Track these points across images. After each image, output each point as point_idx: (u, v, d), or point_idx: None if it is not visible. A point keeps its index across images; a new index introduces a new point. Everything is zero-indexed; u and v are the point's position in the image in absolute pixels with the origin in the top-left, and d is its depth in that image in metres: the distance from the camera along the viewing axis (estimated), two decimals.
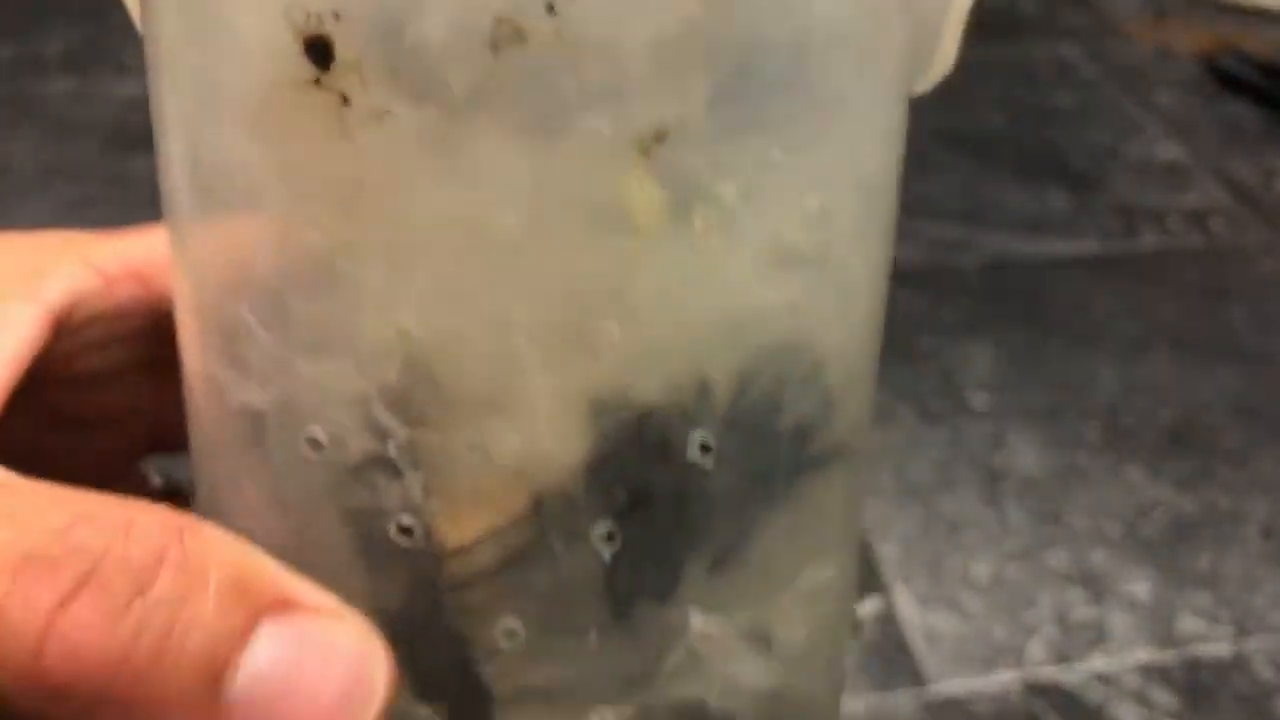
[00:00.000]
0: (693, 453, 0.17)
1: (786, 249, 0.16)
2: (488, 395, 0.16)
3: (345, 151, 0.15)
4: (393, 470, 0.16)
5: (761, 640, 0.18)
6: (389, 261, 0.15)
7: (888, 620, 0.45)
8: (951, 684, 0.43)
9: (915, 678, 0.43)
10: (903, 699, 0.43)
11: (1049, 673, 0.44)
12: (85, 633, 0.14)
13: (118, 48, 0.81)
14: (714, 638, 0.18)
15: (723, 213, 0.16)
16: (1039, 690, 0.43)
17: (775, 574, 0.18)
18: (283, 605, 0.15)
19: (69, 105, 0.74)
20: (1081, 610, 0.46)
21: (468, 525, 0.16)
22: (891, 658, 0.44)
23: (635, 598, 0.17)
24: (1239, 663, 0.44)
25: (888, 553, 0.48)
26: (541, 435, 0.16)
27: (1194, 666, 0.44)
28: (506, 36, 0.14)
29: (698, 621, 0.18)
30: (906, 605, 0.46)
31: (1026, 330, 0.60)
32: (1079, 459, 0.52)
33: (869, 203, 0.17)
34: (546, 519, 0.17)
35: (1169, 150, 0.74)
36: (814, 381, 0.18)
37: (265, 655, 0.14)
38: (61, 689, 0.13)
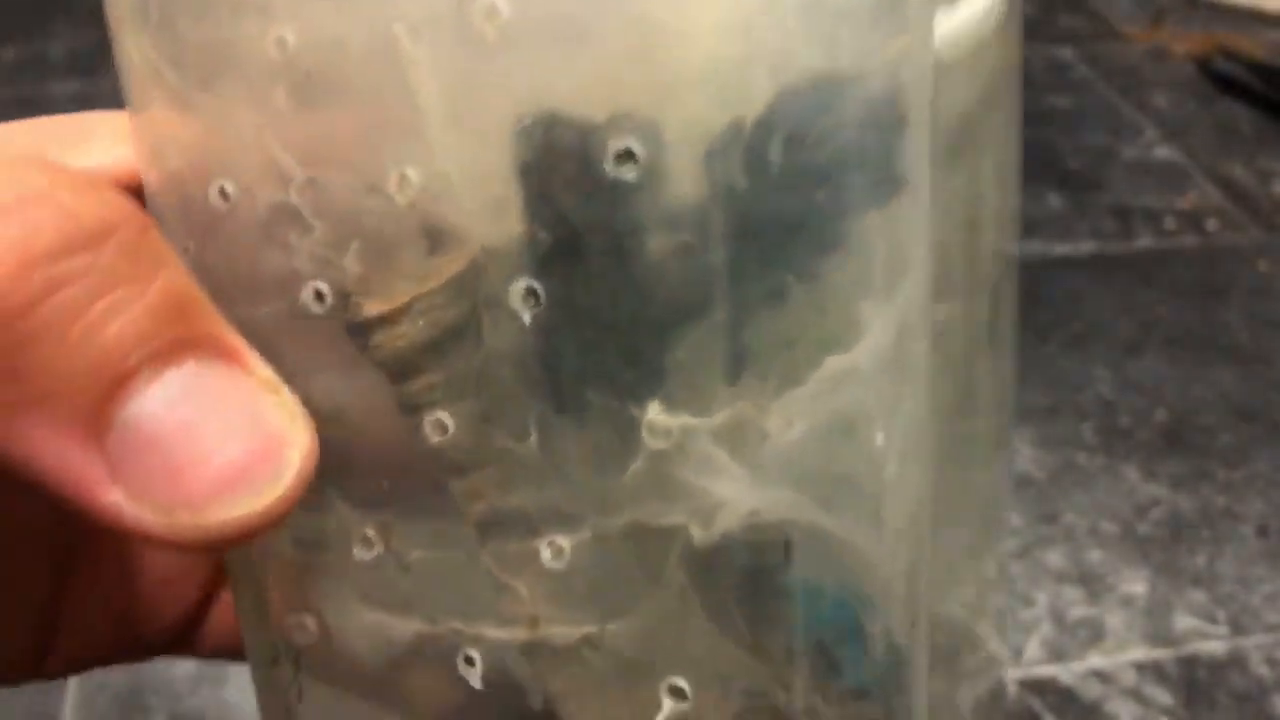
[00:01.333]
0: (614, 165, 0.13)
1: None
2: (377, 116, 0.13)
3: None
4: (301, 223, 0.14)
5: (747, 442, 0.14)
6: None
7: None
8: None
9: None
10: None
11: (1046, 671, 0.44)
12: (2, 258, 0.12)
13: None
14: (678, 438, 0.14)
15: None
16: (1036, 688, 0.43)
17: (777, 358, 0.14)
18: (218, 349, 0.13)
19: (74, 107, 0.74)
20: (1078, 609, 0.46)
21: (387, 290, 0.14)
22: None
23: (576, 382, 0.14)
24: (1235, 660, 0.44)
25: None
26: (440, 162, 0.13)
27: (1190, 664, 0.44)
28: None
29: (657, 414, 0.14)
30: None
31: (1023, 330, 0.60)
32: (1076, 458, 0.53)
33: None
34: (475, 287, 0.14)
35: (1165, 151, 0.75)
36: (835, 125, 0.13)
37: (176, 388, 0.13)
38: None
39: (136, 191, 0.15)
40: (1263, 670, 0.44)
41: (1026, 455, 0.53)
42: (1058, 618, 0.46)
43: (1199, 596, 0.47)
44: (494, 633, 0.15)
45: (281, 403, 0.13)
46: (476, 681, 0.15)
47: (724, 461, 0.14)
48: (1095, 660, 0.44)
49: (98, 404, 0.12)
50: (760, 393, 0.14)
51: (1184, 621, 0.46)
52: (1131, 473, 0.52)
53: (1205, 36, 0.86)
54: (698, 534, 0.14)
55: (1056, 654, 0.44)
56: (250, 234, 0.14)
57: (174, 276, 0.13)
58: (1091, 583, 0.47)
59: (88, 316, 0.12)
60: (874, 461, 0.14)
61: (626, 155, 0.13)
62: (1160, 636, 0.45)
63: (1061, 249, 0.66)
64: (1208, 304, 0.62)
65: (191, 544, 0.13)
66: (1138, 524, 0.50)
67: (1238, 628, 0.45)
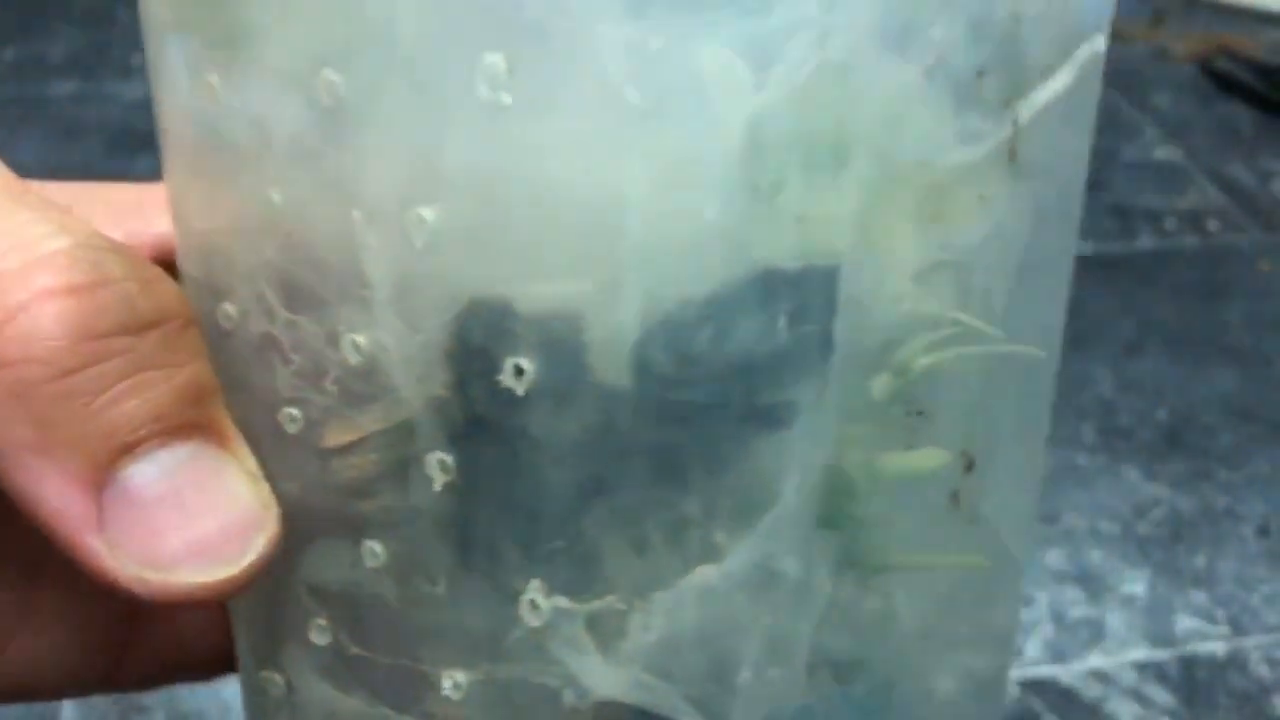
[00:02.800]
0: (507, 375, 0.15)
1: (653, 130, 0.14)
2: (339, 281, 0.15)
3: (220, 7, 0.15)
4: (283, 355, 0.16)
5: (609, 636, 0.16)
6: (254, 124, 0.15)
7: None
8: None
9: None
10: None
11: (1046, 671, 0.44)
12: (58, 327, 0.14)
13: (122, 50, 0.81)
14: (550, 619, 0.16)
15: (549, 76, 0.14)
16: (1037, 688, 0.43)
17: (644, 561, 0.16)
18: (218, 437, 0.15)
19: (73, 107, 0.74)
20: (1079, 609, 0.46)
21: (347, 427, 0.16)
22: None
23: (479, 549, 0.16)
24: (1235, 660, 0.44)
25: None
26: (385, 335, 0.15)
27: (1190, 664, 0.44)
28: None
29: (535, 594, 0.16)
30: None
31: None
32: (1076, 458, 0.53)
33: (853, 61, 0.14)
34: (405, 435, 0.15)
35: (1165, 151, 0.75)
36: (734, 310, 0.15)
37: (173, 462, 0.15)
38: (2, 360, 0.14)
39: None
40: (1262, 670, 0.44)
41: None
42: (1058, 618, 0.46)
43: (1199, 597, 0.47)
44: None
45: (259, 492, 0.15)
46: None
47: (589, 647, 0.16)
48: (1095, 660, 0.44)
49: (103, 461, 0.14)
50: (628, 590, 0.16)
51: (1184, 622, 0.46)
52: (1132, 473, 0.52)
53: (1205, 37, 0.86)
54: (570, 699, 0.16)
55: (1057, 654, 0.44)
56: (246, 353, 0.16)
57: (200, 369, 0.15)
58: (1092, 583, 0.47)
59: (116, 389, 0.14)
60: (725, 674, 0.16)
61: (519, 370, 0.15)
62: (1160, 637, 0.45)
63: None
64: (1208, 304, 0.62)
65: (153, 598, 0.15)
66: (1138, 524, 0.50)
67: (1238, 628, 0.45)
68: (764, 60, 0.14)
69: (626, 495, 0.15)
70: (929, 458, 0.17)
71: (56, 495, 0.14)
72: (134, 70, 0.78)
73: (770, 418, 0.15)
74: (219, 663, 0.21)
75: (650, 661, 0.16)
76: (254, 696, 0.19)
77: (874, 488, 0.16)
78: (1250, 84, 0.80)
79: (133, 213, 0.19)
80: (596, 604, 0.16)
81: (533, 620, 0.16)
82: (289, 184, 0.15)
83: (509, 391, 0.15)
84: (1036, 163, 0.16)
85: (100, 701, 0.42)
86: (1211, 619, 0.46)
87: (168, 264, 0.16)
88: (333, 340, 0.15)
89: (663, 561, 0.16)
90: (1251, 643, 0.45)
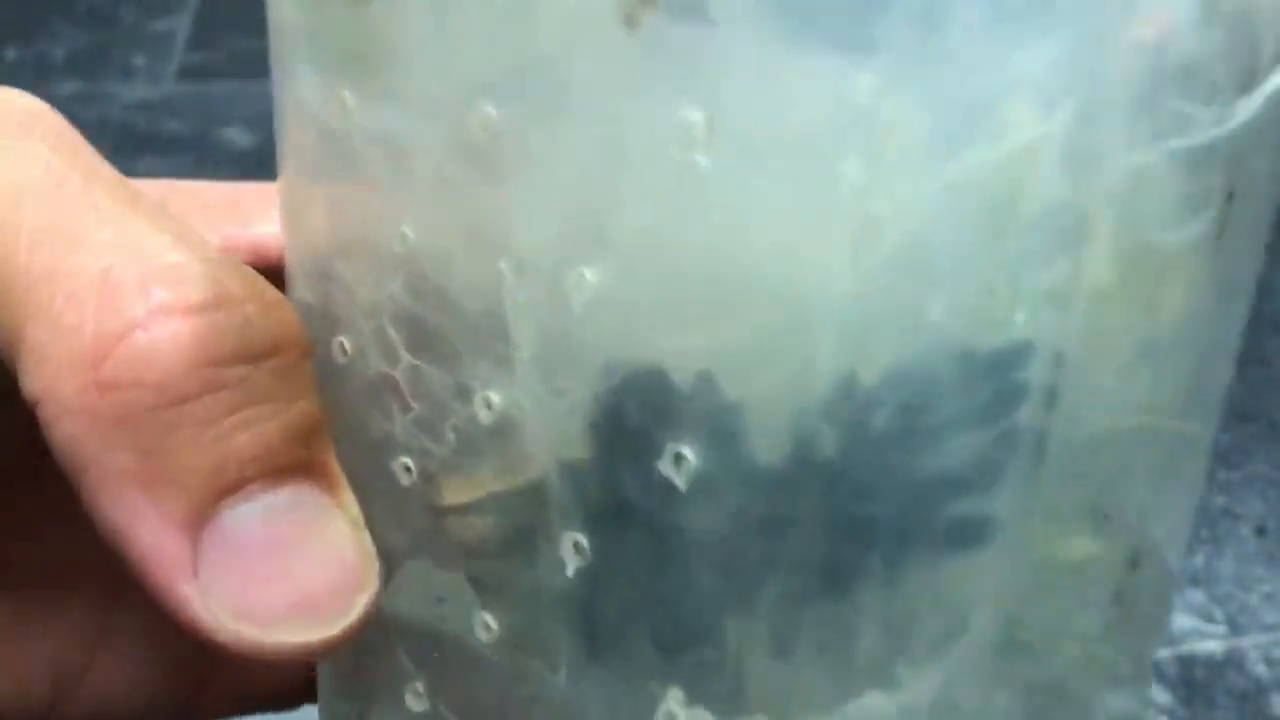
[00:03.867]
0: (666, 464, 0.13)
1: (869, 217, 0.12)
2: (475, 333, 0.14)
3: (360, 19, 0.13)
4: (402, 400, 0.14)
5: None
6: (391, 152, 0.14)
7: None
8: None
9: None
10: None
11: None
12: (171, 346, 0.13)
13: (124, 51, 0.81)
14: None
15: (747, 138, 0.12)
16: None
17: (805, 682, 0.14)
18: (326, 480, 0.14)
19: (75, 108, 0.74)
20: None
21: (468, 485, 0.14)
22: None
23: (608, 641, 0.14)
24: (1233, 659, 0.44)
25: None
26: (523, 395, 0.13)
27: (1189, 663, 0.44)
28: None
29: (674, 704, 0.14)
30: None
31: None
32: None
33: (1085, 137, 0.12)
34: (530, 506, 0.14)
35: None
36: (939, 419, 0.13)
37: (279, 506, 0.13)
38: (104, 386, 0.13)
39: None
40: (1260, 669, 0.44)
41: None
42: None
43: (1197, 596, 0.47)
44: None
45: (363, 546, 0.14)
46: None
47: None
48: None
49: (206, 500, 0.13)
50: (782, 710, 0.14)
51: (1182, 621, 0.46)
52: None
53: None
54: None
55: None
56: (360, 392, 0.15)
57: (310, 406, 0.14)
58: None
59: (227, 421, 0.13)
60: None
61: (680, 458, 0.13)
62: None
63: None
64: None
65: (244, 653, 0.13)
66: None
67: (1236, 627, 0.45)
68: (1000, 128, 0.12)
69: (787, 606, 0.13)
70: (1090, 548, 0.15)
71: (151, 533, 0.13)
72: (136, 71, 0.78)
73: (965, 533, 0.13)
74: (302, 693, 0.20)
75: None
76: None
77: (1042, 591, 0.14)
78: None
79: (228, 214, 0.17)
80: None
81: None
82: (427, 221, 0.14)
83: (666, 481, 0.13)
84: (1239, 239, 0.14)
85: None
86: (1209, 618, 0.46)
87: (266, 271, 0.15)
88: (463, 394, 0.14)
89: (820, 683, 0.14)
90: (1249, 642, 0.45)
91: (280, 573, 0.13)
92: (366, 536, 0.14)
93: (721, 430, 0.13)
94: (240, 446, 0.13)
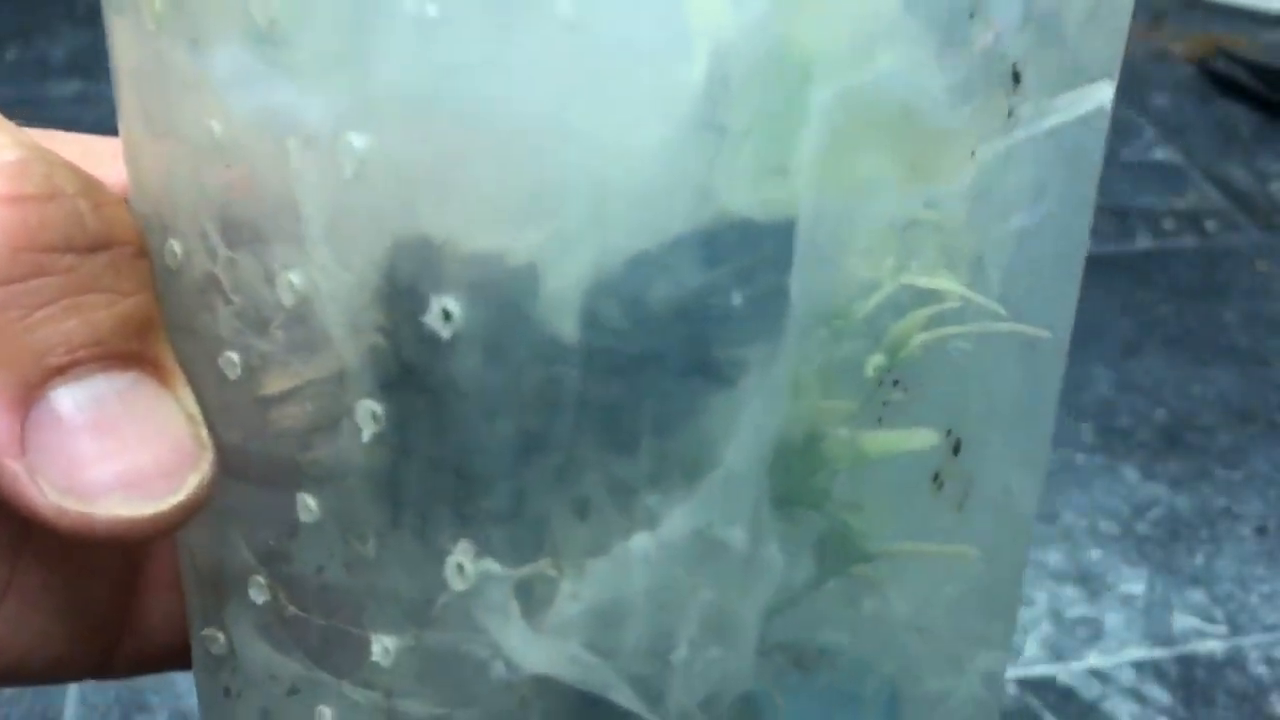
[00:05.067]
0: (432, 317, 0.13)
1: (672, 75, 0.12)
2: (274, 219, 0.14)
3: None
4: (223, 295, 0.15)
5: (537, 605, 0.15)
6: (194, 48, 0.14)
7: None
8: None
9: None
10: None
11: (1045, 670, 0.44)
12: (5, 226, 0.13)
13: None
14: (476, 584, 0.15)
15: None
16: (1035, 687, 0.43)
17: (585, 527, 0.14)
18: (160, 372, 0.14)
19: (75, 108, 0.75)
20: (1077, 608, 0.46)
21: (285, 374, 0.15)
22: None
23: (405, 506, 0.15)
24: (1233, 659, 0.44)
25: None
26: (316, 272, 0.14)
27: (1189, 663, 0.44)
28: None
29: (464, 559, 0.15)
30: None
31: None
32: (1075, 458, 0.53)
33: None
34: (334, 386, 0.15)
35: (1164, 152, 0.75)
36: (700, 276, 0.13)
37: (109, 389, 0.14)
38: None
39: None
40: (1261, 669, 0.44)
41: None
42: (1057, 617, 0.46)
43: (1197, 596, 0.47)
44: (353, 693, 0.16)
45: (196, 433, 0.14)
46: None
47: (514, 615, 0.15)
48: (1094, 659, 0.44)
49: (33, 379, 0.13)
50: (562, 556, 0.14)
51: (1182, 621, 0.46)
52: (1130, 472, 0.52)
53: (1204, 37, 0.86)
54: (500, 671, 0.15)
55: (1055, 653, 0.45)
56: (190, 293, 0.15)
57: (146, 301, 0.14)
58: (1090, 582, 0.47)
59: (54, 306, 0.13)
60: (658, 649, 0.15)
61: (445, 314, 0.13)
62: (1159, 636, 0.45)
63: None
64: (1206, 304, 0.62)
65: (73, 530, 0.14)
66: (1136, 524, 0.50)
67: (1236, 627, 0.46)
68: None
69: (563, 454, 0.14)
70: (913, 438, 0.16)
71: None
72: None
73: (717, 375, 0.14)
74: None
75: (583, 634, 0.15)
76: (200, 656, 0.18)
77: (853, 466, 0.15)
78: (1249, 85, 0.80)
79: (100, 162, 0.17)
80: (527, 569, 0.14)
81: (458, 584, 0.15)
82: (228, 113, 0.14)
83: (434, 335, 0.13)
84: (1041, 127, 0.15)
85: (102, 700, 0.42)
86: (1210, 618, 0.46)
87: None
88: (270, 279, 0.14)
89: (600, 527, 0.14)
90: (1250, 642, 0.45)
91: (108, 450, 0.14)
92: (202, 429, 0.15)
93: (484, 286, 0.13)
94: (69, 330, 0.13)
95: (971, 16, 0.14)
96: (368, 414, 0.14)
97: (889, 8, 0.13)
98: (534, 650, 0.15)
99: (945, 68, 0.14)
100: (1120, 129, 0.77)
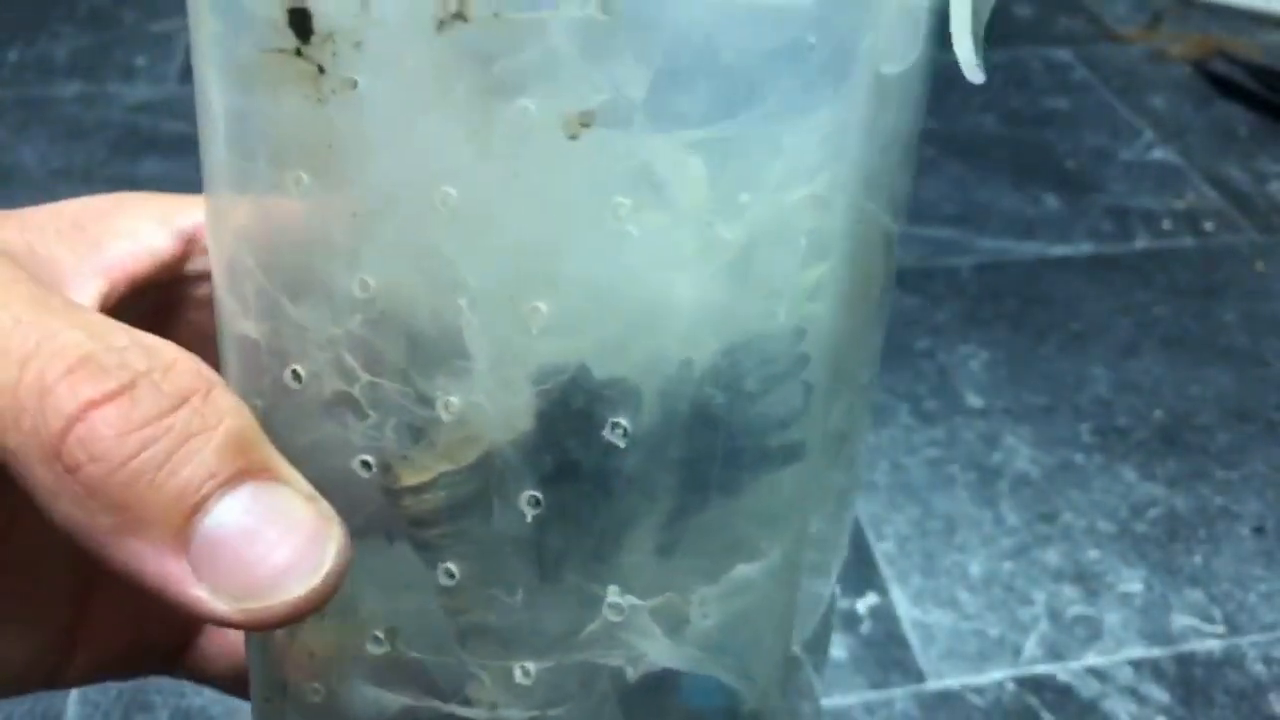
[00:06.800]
0: (609, 432, 0.18)
1: (719, 244, 0.17)
2: (436, 354, 0.18)
3: (320, 117, 0.17)
4: (359, 410, 0.18)
5: (674, 623, 0.19)
6: (353, 220, 0.17)
7: (884, 617, 0.46)
8: (947, 680, 0.44)
9: (911, 674, 0.44)
10: (899, 695, 0.43)
11: (1044, 669, 0.44)
12: (107, 428, 0.16)
13: (126, 52, 0.81)
14: (628, 614, 0.19)
15: (652, 202, 0.17)
16: (1034, 686, 0.44)
17: (697, 566, 0.19)
18: (270, 474, 0.17)
19: (77, 109, 0.75)
20: (1076, 607, 0.46)
21: (420, 469, 0.18)
22: (888, 654, 0.45)
23: (559, 565, 0.19)
24: (1231, 658, 0.45)
25: (884, 551, 0.49)
26: (482, 397, 0.18)
27: (1187, 662, 0.44)
28: (450, 15, 0.16)
29: (614, 597, 0.19)
30: (903, 602, 0.47)
31: (1021, 331, 0.60)
32: (1073, 458, 0.53)
33: (833, 197, 0.18)
34: (488, 475, 0.18)
35: (1162, 153, 0.75)
36: (761, 380, 0.19)
37: (239, 507, 0.17)
38: (70, 469, 0.16)
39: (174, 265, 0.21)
40: (1259, 668, 0.44)
41: (1024, 455, 0.53)
42: (1055, 616, 0.46)
43: (1196, 595, 0.47)
44: (462, 711, 0.20)
45: (320, 510, 0.17)
46: None
47: (656, 633, 0.19)
48: (1092, 658, 0.45)
49: (180, 523, 0.16)
50: (684, 587, 0.19)
51: (1181, 620, 0.46)
52: (1129, 472, 0.52)
53: (1202, 39, 0.87)
54: (629, 672, 0.19)
55: (1054, 652, 0.45)
56: (314, 408, 0.18)
57: (234, 422, 0.17)
58: (1089, 582, 0.47)
59: (170, 463, 0.16)
60: (755, 641, 0.21)
61: (617, 426, 0.18)
62: (1157, 635, 0.45)
63: (1059, 250, 0.66)
64: (1205, 304, 0.62)
65: (259, 624, 0.17)
66: (1135, 523, 0.50)
67: (1234, 626, 0.46)
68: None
69: (679, 516, 0.19)
70: (836, 474, 0.22)
71: (153, 565, 0.16)
72: (138, 72, 0.79)
73: (787, 453, 0.19)
74: (159, 658, 0.23)
75: (703, 640, 0.20)
76: (270, 704, 0.21)
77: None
78: (1247, 86, 0.80)
79: (79, 239, 0.20)
80: (657, 600, 0.19)
81: (614, 616, 0.19)
82: (387, 272, 0.18)
83: (610, 444, 0.18)
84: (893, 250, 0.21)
85: (104, 699, 0.42)
86: (1208, 617, 0.46)
87: (131, 282, 0.19)
88: (423, 401, 0.18)
89: (705, 564, 0.19)
90: (1247, 641, 0.45)
91: (259, 554, 0.17)
92: (321, 502, 0.17)
93: (633, 406, 0.18)
94: (189, 476, 0.16)
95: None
96: (527, 500, 0.18)
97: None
98: (668, 655, 0.19)
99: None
100: (1119, 129, 0.77)
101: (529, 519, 0.18)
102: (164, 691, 0.42)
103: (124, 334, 0.17)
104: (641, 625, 0.19)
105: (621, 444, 0.18)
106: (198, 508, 0.16)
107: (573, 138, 0.16)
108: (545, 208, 0.17)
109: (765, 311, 0.18)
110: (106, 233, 0.20)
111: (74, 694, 0.42)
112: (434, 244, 0.17)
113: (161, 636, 0.23)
